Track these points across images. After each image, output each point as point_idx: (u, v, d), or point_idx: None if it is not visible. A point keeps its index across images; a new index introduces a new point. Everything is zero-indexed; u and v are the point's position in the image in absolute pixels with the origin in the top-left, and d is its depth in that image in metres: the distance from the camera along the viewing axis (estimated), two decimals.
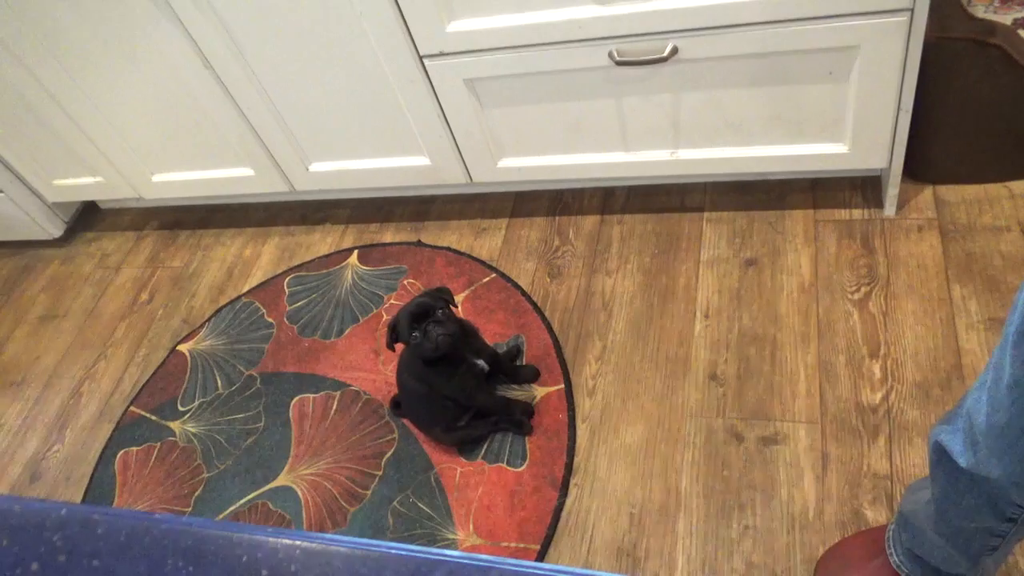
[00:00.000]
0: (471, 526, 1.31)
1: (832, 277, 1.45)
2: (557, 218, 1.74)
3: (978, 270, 1.39)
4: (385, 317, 1.67)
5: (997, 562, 0.90)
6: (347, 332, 1.67)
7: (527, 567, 0.38)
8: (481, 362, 1.34)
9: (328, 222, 1.95)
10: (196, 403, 1.66)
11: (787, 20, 1.20)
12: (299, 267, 1.86)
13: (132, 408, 1.71)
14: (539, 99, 1.44)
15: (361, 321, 1.68)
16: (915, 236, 1.46)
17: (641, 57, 1.30)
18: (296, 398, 1.59)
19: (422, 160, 1.64)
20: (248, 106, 1.61)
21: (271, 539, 0.42)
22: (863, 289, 1.42)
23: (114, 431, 1.68)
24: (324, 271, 1.83)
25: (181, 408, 1.67)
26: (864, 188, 1.57)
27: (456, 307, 1.34)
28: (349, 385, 1.58)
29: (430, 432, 1.43)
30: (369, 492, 1.41)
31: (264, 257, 1.93)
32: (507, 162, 1.60)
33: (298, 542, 0.42)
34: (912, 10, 1.15)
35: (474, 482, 1.36)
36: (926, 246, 1.44)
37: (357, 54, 1.44)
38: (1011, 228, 1.43)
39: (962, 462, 0.75)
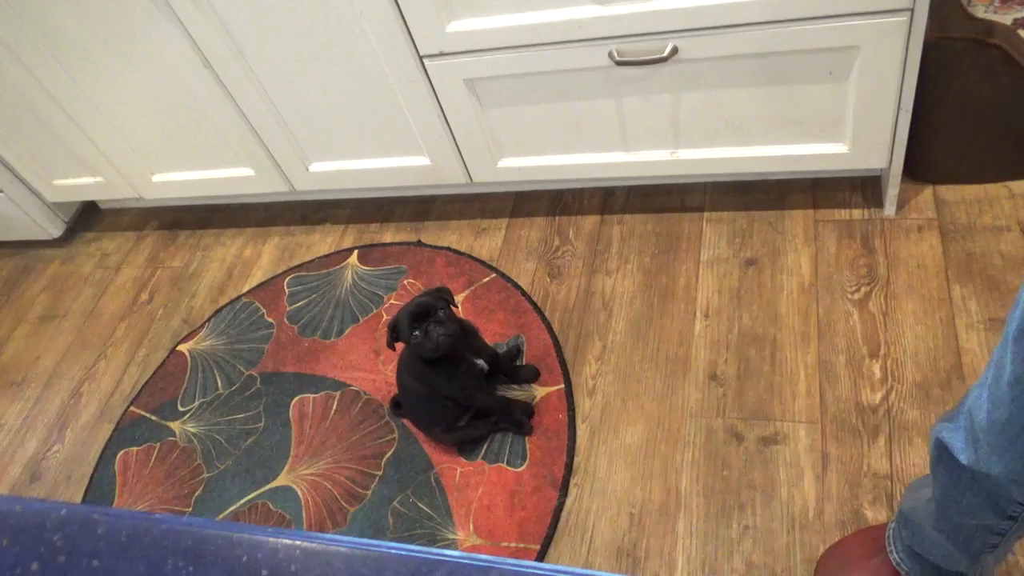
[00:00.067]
0: (471, 526, 1.31)
1: (832, 277, 1.45)
2: (557, 218, 1.74)
3: (978, 270, 1.39)
4: (385, 317, 1.67)
5: (997, 560, 0.90)
6: (347, 332, 1.67)
7: (527, 567, 0.38)
8: (481, 362, 1.34)
9: (328, 222, 1.95)
10: (196, 403, 1.66)
11: (787, 20, 1.20)
12: (299, 267, 1.86)
13: (132, 408, 1.71)
14: (539, 99, 1.44)
15: (361, 321, 1.68)
16: (915, 236, 1.46)
17: (641, 57, 1.30)
18: (296, 398, 1.59)
19: (422, 160, 1.64)
20: (248, 106, 1.61)
21: (271, 539, 0.42)
22: (863, 289, 1.42)
23: (114, 431, 1.68)
24: (324, 271, 1.83)
25: (181, 408, 1.67)
26: (864, 188, 1.57)
27: (456, 307, 1.34)
28: (349, 385, 1.58)
29: (430, 432, 1.43)
30: (369, 492, 1.41)
31: (264, 257, 1.93)
32: (507, 162, 1.60)
33: (298, 542, 0.42)
34: (912, 10, 1.15)
35: (474, 482, 1.36)
36: (926, 246, 1.44)
37: (357, 54, 1.44)
38: (1011, 228, 1.43)
39: (963, 459, 0.75)
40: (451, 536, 1.31)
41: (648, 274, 1.57)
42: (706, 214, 1.63)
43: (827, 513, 1.19)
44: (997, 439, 0.70)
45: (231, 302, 1.85)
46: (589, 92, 1.41)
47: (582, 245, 1.67)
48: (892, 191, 1.46)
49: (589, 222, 1.71)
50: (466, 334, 1.32)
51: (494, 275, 1.67)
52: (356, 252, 1.84)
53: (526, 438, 1.39)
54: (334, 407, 1.55)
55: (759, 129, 1.40)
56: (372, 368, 1.59)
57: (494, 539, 1.29)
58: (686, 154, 1.48)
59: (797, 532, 1.18)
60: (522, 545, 1.27)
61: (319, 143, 1.68)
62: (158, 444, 1.62)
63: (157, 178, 1.90)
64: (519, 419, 1.39)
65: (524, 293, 1.62)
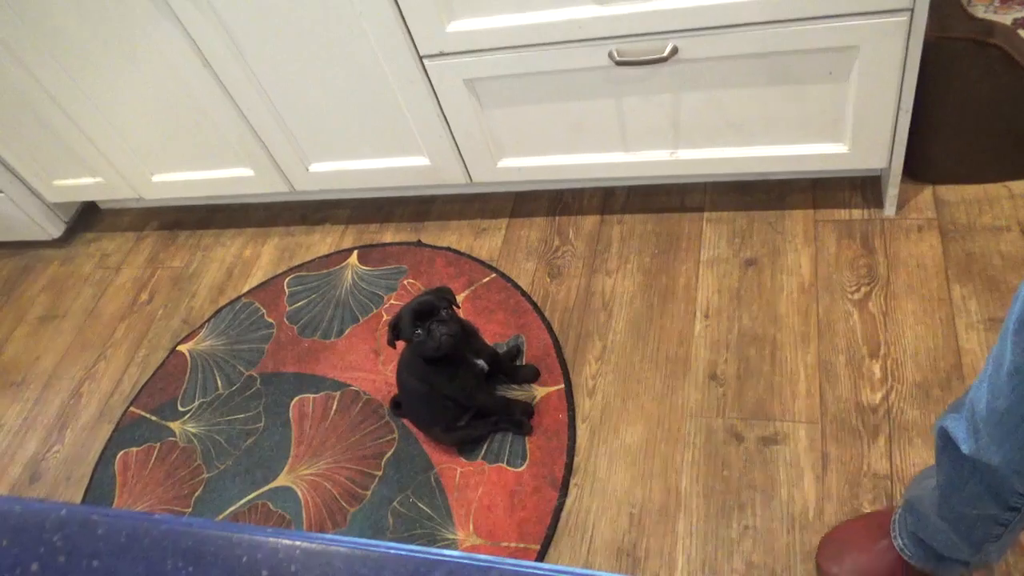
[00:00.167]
0: (471, 526, 1.31)
1: (832, 277, 1.45)
2: (557, 218, 1.74)
3: (978, 270, 1.39)
4: (385, 317, 1.67)
5: (1000, 550, 0.91)
6: (347, 332, 1.67)
7: (527, 567, 0.38)
8: (481, 362, 1.34)
9: (328, 222, 1.95)
10: (196, 403, 1.66)
11: (787, 20, 1.20)
12: (299, 267, 1.86)
13: (132, 408, 1.71)
14: (539, 99, 1.44)
15: (361, 321, 1.68)
16: (915, 236, 1.46)
17: (641, 57, 1.30)
18: (296, 398, 1.59)
19: (422, 160, 1.64)
20: (248, 106, 1.61)
21: (271, 539, 0.42)
22: (863, 289, 1.42)
23: (114, 431, 1.68)
24: (324, 271, 1.83)
25: (181, 408, 1.67)
26: (864, 188, 1.57)
27: (458, 307, 1.34)
28: (349, 385, 1.58)
29: (430, 432, 1.43)
30: (369, 492, 1.41)
31: (264, 257, 1.93)
32: (507, 162, 1.60)
33: (298, 542, 0.42)
34: (912, 10, 1.15)
35: (474, 482, 1.36)
36: (926, 246, 1.44)
37: (357, 54, 1.44)
38: (1011, 228, 1.43)
39: (965, 449, 0.76)
40: (451, 536, 1.31)
41: (648, 274, 1.57)
42: (706, 214, 1.63)
43: (827, 513, 1.19)
44: (996, 428, 0.71)
45: (231, 302, 1.85)
46: (589, 92, 1.41)
47: (582, 245, 1.67)
48: (892, 191, 1.46)
49: (589, 222, 1.71)
50: (466, 334, 1.32)
51: (494, 275, 1.67)
52: (356, 252, 1.84)
53: (526, 438, 1.39)
54: (334, 407, 1.55)
55: (759, 129, 1.40)
56: (372, 368, 1.59)
57: (494, 539, 1.29)
58: (686, 154, 1.48)
59: (797, 532, 1.18)
60: (522, 545, 1.27)
61: (319, 143, 1.68)
62: (158, 444, 1.62)
63: (157, 178, 1.90)
64: (519, 419, 1.39)
65: (524, 293, 1.62)
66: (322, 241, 1.91)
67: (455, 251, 1.75)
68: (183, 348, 1.79)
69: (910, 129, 1.34)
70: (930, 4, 1.14)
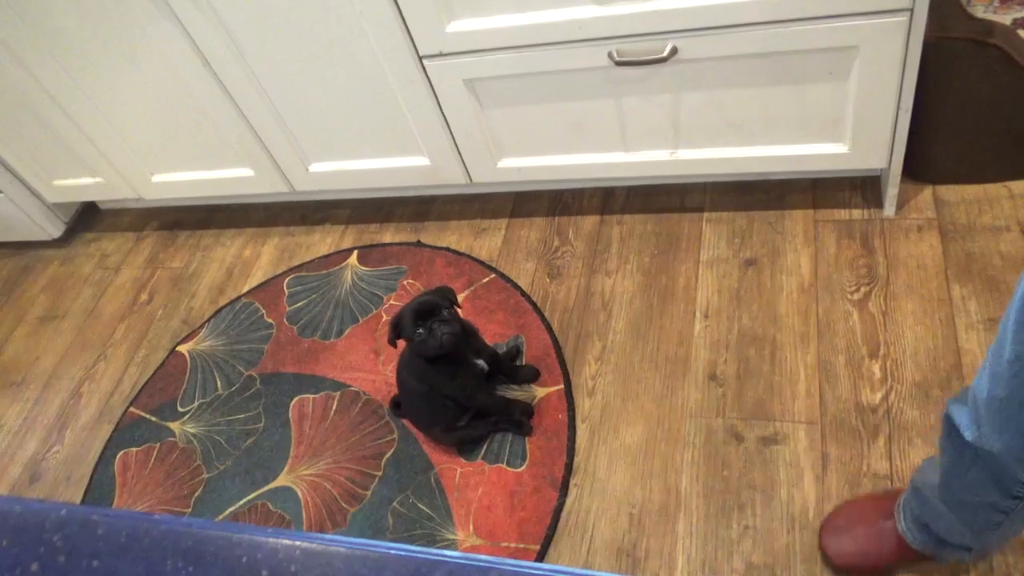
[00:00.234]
0: (471, 526, 1.31)
1: (832, 277, 1.45)
2: (557, 218, 1.74)
3: (978, 270, 1.39)
4: (385, 318, 1.67)
5: (1001, 539, 0.93)
6: (347, 332, 1.67)
7: (527, 567, 0.38)
8: (481, 362, 1.34)
9: (328, 222, 1.95)
10: (196, 404, 1.66)
11: (787, 20, 1.20)
12: (299, 267, 1.86)
13: (132, 409, 1.71)
14: (538, 99, 1.44)
15: (361, 321, 1.68)
16: (915, 236, 1.46)
17: (641, 57, 1.30)
18: (296, 399, 1.59)
19: (422, 160, 1.64)
20: (248, 106, 1.61)
21: (271, 540, 0.42)
22: (863, 289, 1.42)
23: (114, 432, 1.68)
24: (324, 271, 1.83)
25: (181, 409, 1.67)
26: (864, 188, 1.57)
27: (460, 307, 1.34)
28: (349, 386, 1.58)
29: (430, 432, 1.43)
30: (369, 492, 1.41)
31: (264, 257, 1.93)
32: (507, 162, 1.60)
33: (298, 543, 0.42)
34: (912, 10, 1.15)
35: (474, 482, 1.36)
36: (926, 246, 1.44)
37: (357, 54, 1.44)
38: (1011, 228, 1.43)
39: (967, 435, 0.78)
40: (451, 536, 1.31)
41: (648, 274, 1.57)
42: (706, 214, 1.63)
43: (827, 513, 1.19)
44: (997, 416, 0.72)
45: (231, 302, 1.85)
46: (588, 92, 1.41)
47: (582, 245, 1.67)
48: (892, 191, 1.46)
49: (589, 222, 1.71)
50: (467, 334, 1.32)
51: (494, 275, 1.67)
52: (356, 252, 1.84)
53: (526, 438, 1.39)
54: (334, 407, 1.55)
55: (758, 129, 1.40)
56: (372, 368, 1.59)
57: (494, 539, 1.29)
58: (686, 154, 1.48)
59: (797, 532, 1.18)
60: (522, 545, 1.27)
61: (319, 143, 1.68)
62: (158, 445, 1.62)
63: (157, 178, 1.90)
64: (519, 419, 1.39)
65: (524, 293, 1.62)
66: (322, 241, 1.91)
67: (455, 251, 1.75)
68: (183, 348, 1.79)
69: (910, 129, 1.34)
70: (930, 4, 1.14)
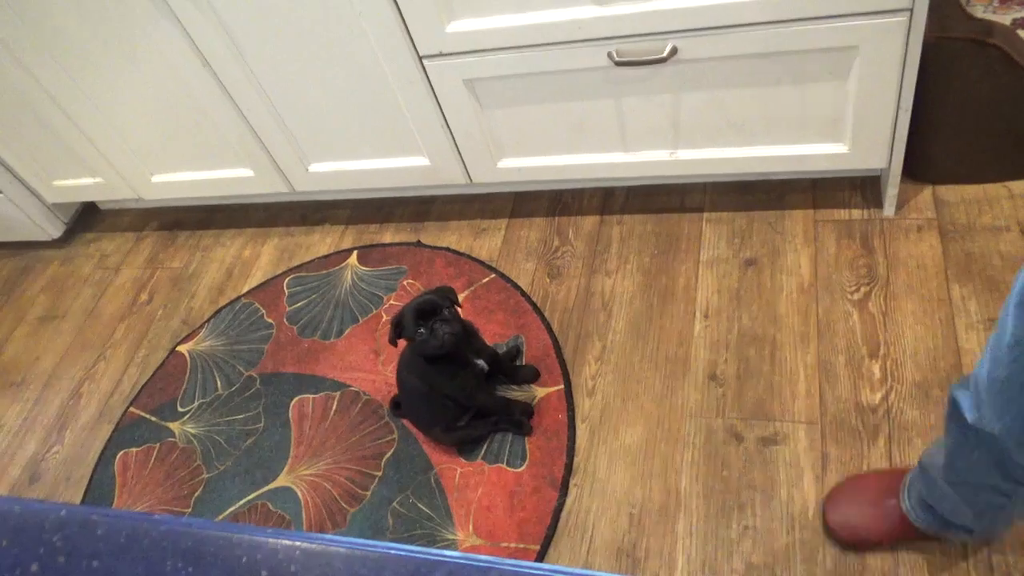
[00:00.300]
0: (471, 527, 1.31)
1: (832, 277, 1.45)
2: (557, 218, 1.74)
3: (977, 270, 1.39)
4: (385, 318, 1.67)
5: (1004, 522, 0.96)
6: (347, 333, 1.67)
7: (527, 567, 0.38)
8: (481, 362, 1.34)
9: (328, 222, 1.95)
10: (196, 404, 1.66)
11: (787, 20, 1.20)
12: (299, 268, 1.86)
13: (132, 409, 1.71)
14: (538, 99, 1.44)
15: (361, 322, 1.68)
16: (914, 236, 1.46)
17: (641, 57, 1.30)
18: (296, 399, 1.59)
19: (422, 160, 1.64)
20: (248, 106, 1.61)
21: (271, 540, 0.42)
22: (863, 289, 1.42)
23: (113, 432, 1.68)
24: (324, 272, 1.83)
25: (181, 409, 1.67)
26: (864, 188, 1.57)
27: (460, 307, 1.34)
28: (349, 386, 1.58)
29: (430, 432, 1.43)
30: (369, 493, 1.41)
31: (264, 258, 1.93)
32: (507, 162, 1.60)
33: (298, 543, 0.42)
34: (911, 10, 1.15)
35: (474, 482, 1.36)
36: (925, 246, 1.44)
37: (357, 54, 1.44)
38: (1010, 228, 1.43)
39: (969, 417, 0.79)
40: (451, 537, 1.31)
41: (648, 274, 1.57)
42: (706, 214, 1.63)
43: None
44: (997, 398, 0.74)
45: (231, 303, 1.84)
46: (588, 92, 1.41)
47: (582, 245, 1.67)
48: (892, 191, 1.46)
49: (589, 222, 1.71)
50: (467, 334, 1.32)
51: (494, 275, 1.67)
52: (356, 252, 1.84)
53: (526, 438, 1.39)
54: (334, 408, 1.55)
55: (758, 129, 1.40)
56: (372, 369, 1.59)
57: (494, 539, 1.29)
58: (686, 154, 1.48)
59: (797, 532, 1.18)
60: (522, 545, 1.27)
61: (319, 143, 1.68)
62: (157, 445, 1.62)
63: (157, 179, 1.90)
64: (519, 419, 1.39)
65: (524, 293, 1.62)
66: (322, 241, 1.91)
67: (455, 251, 1.75)
68: (183, 348, 1.79)
69: (910, 129, 1.34)
70: (929, 4, 1.14)
